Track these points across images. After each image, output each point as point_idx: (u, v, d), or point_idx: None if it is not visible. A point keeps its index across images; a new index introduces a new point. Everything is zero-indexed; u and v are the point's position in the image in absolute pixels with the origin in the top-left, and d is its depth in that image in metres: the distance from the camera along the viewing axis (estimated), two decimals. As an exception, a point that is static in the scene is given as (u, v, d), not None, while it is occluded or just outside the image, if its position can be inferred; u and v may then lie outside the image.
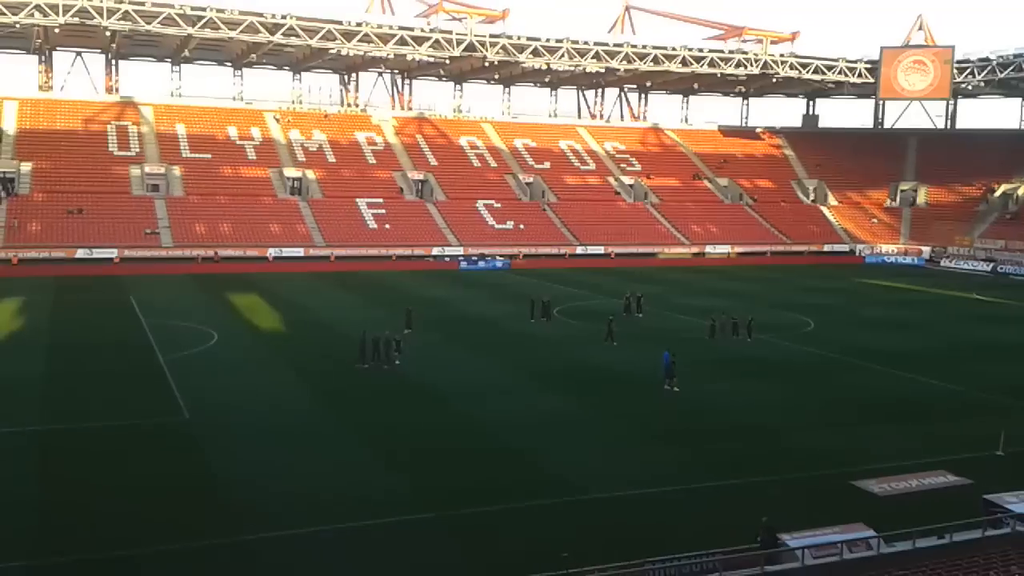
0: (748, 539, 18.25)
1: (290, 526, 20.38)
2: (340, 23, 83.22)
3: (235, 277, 65.36)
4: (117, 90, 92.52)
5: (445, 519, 21.15)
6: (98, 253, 69.66)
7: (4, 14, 72.95)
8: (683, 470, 24.86)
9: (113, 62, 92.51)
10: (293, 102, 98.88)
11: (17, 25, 75.20)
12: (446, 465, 24.93)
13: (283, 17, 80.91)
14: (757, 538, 17.92)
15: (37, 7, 73.33)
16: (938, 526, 18.62)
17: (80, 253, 69.38)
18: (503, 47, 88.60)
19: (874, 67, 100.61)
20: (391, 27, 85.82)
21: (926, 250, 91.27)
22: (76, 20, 75.21)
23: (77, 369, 35.60)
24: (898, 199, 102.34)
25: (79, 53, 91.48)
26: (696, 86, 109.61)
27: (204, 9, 78.19)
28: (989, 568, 16.79)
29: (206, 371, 35.75)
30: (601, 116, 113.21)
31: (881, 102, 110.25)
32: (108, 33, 79.79)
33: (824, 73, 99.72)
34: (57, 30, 77.46)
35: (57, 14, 73.99)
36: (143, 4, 76.34)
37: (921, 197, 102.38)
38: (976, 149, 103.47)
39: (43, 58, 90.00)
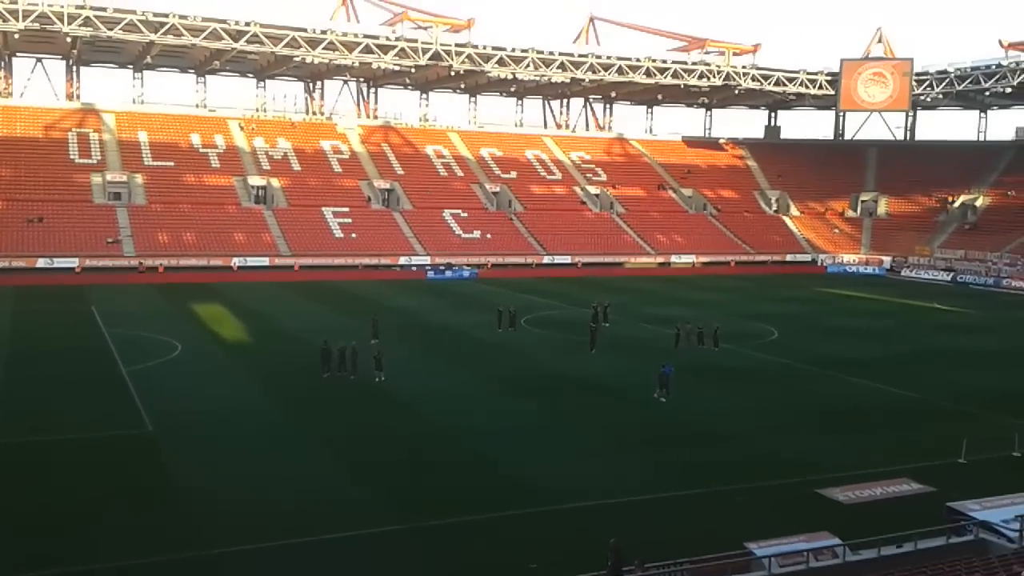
0: (715, 548, 18.29)
1: (256, 539, 20.16)
2: (305, 31, 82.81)
3: (198, 287, 64.59)
4: (78, 97, 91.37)
5: (413, 530, 21.02)
6: (59, 263, 68.56)
7: (-38, 19, 71.92)
8: (651, 479, 24.94)
9: (74, 68, 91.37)
10: (257, 110, 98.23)
11: (-25, 31, 74.21)
12: (414, 475, 24.81)
13: (247, 24, 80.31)
14: (607, 561, 17.52)
15: (-4, 12, 72.35)
16: (903, 534, 18.82)
17: (41, 263, 68.21)
18: (469, 56, 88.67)
19: (834, 79, 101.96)
20: (356, 35, 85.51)
21: (887, 260, 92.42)
22: (36, 26, 74.19)
23: (37, 380, 34.99)
24: (859, 209, 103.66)
25: (39, 59, 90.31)
26: (660, 97, 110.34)
27: (166, 15, 77.38)
28: (953, 575, 16.99)
29: (169, 382, 35.29)
30: (567, 126, 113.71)
31: (841, 114, 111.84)
32: (69, 39, 78.67)
33: (785, 85, 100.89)
34: (17, 36, 76.30)
35: (17, 19, 72.95)
36: (104, 10, 75.47)
37: (881, 207, 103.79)
38: (935, 160, 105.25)
39: (2, 64, 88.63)
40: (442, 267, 78.35)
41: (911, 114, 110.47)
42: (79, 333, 45.83)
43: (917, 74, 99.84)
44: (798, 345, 46.58)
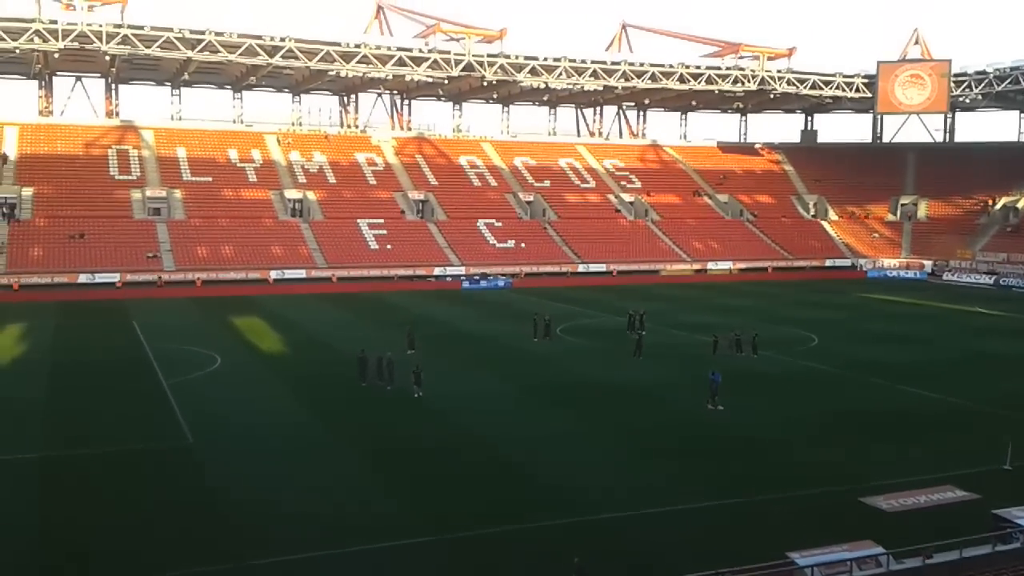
0: (757, 558, 18.08)
1: (294, 550, 20.26)
2: (339, 45, 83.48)
3: (237, 300, 65.28)
4: (117, 114, 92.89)
5: (446, 541, 21.01)
6: (100, 278, 69.62)
7: (4, 40, 73.16)
8: (690, 487, 24.73)
9: (113, 86, 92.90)
10: (293, 124, 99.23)
11: (17, 51, 75.46)
12: (449, 485, 24.80)
13: (282, 39, 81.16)
14: None
15: (37, 32, 73.65)
16: (948, 542, 18.51)
17: (82, 278, 69.30)
18: (501, 66, 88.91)
19: (871, 82, 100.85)
20: (389, 48, 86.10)
21: (928, 264, 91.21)
22: (76, 45, 75.46)
23: (80, 393, 35.50)
24: (899, 213, 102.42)
25: (79, 78, 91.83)
26: (694, 103, 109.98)
27: (203, 32, 78.46)
28: (1000, 584, 16.69)
29: (209, 394, 35.65)
30: (600, 134, 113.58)
31: (879, 116, 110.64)
32: (108, 57, 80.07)
33: (821, 88, 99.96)
34: (57, 55, 77.71)
35: (57, 39, 74.27)
36: (142, 28, 76.64)
37: (921, 211, 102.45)
38: (975, 162, 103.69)
39: (43, 83, 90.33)
40: (477, 277, 78.47)
41: (950, 116, 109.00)
42: (120, 346, 46.46)
43: (955, 75, 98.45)
44: (839, 351, 46.03)
